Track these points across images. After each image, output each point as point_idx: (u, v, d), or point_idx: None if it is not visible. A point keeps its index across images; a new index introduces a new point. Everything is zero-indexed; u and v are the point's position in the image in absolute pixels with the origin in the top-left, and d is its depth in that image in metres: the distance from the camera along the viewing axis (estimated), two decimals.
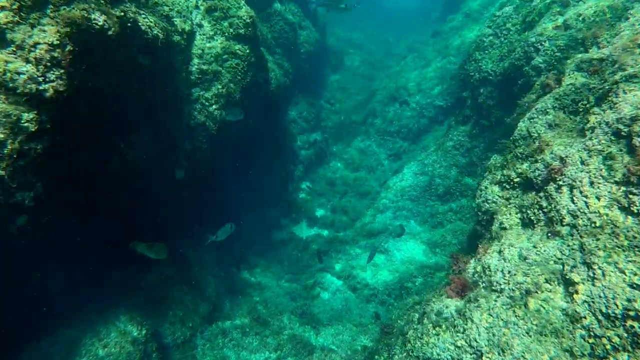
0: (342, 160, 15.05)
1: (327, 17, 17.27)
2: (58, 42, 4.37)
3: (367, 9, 21.65)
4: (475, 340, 4.06)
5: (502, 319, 4.00)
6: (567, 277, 3.84)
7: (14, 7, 4.28)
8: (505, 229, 5.03)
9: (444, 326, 4.49)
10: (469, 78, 10.57)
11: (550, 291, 3.90)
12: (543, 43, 7.20)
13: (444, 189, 11.21)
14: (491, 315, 4.11)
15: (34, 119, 4.56)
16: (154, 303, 8.17)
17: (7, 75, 4.24)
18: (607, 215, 3.83)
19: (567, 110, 5.27)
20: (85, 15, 4.66)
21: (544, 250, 4.15)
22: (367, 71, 19.68)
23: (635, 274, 3.43)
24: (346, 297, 9.41)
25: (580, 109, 5.10)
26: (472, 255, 5.36)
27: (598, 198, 3.97)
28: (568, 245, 4.00)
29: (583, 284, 3.69)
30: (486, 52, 9.94)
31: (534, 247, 4.27)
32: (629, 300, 3.37)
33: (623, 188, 3.85)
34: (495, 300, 4.17)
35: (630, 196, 3.75)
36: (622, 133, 4.06)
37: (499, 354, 3.84)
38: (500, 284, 4.25)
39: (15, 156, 4.46)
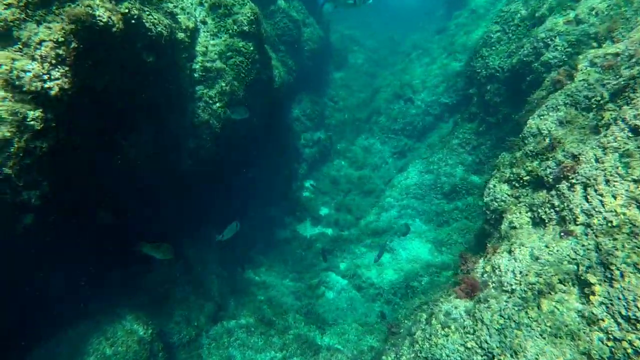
0: (346, 158, 14.95)
1: (331, 14, 17.14)
2: (63, 39, 4.32)
3: (372, 6, 21.49)
4: (486, 342, 3.98)
5: (514, 321, 3.91)
6: (582, 277, 3.74)
7: (21, 4, 4.23)
8: (515, 228, 4.93)
9: (453, 327, 4.41)
10: (475, 75, 10.44)
11: (564, 292, 3.80)
12: (553, 38, 7.07)
13: (450, 187, 11.09)
14: (502, 317, 4.02)
15: (40, 117, 4.52)
16: (158, 303, 8.17)
17: (13, 73, 4.19)
18: (624, 214, 3.72)
19: (580, 106, 5.15)
20: (90, 11, 4.60)
21: (557, 250, 4.05)
22: (371, 69, 19.54)
23: None
24: (351, 297, 9.34)
25: (594, 106, 4.98)
26: (481, 254, 5.27)
27: (614, 197, 3.87)
28: (583, 245, 3.90)
29: (600, 285, 3.59)
30: (493, 48, 9.79)
31: (546, 246, 4.17)
32: None
33: None
34: (507, 301, 4.08)
35: None
36: None
37: (511, 356, 3.76)
38: (512, 285, 4.16)
39: (21, 154, 4.43)
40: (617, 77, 4.75)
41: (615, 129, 4.15)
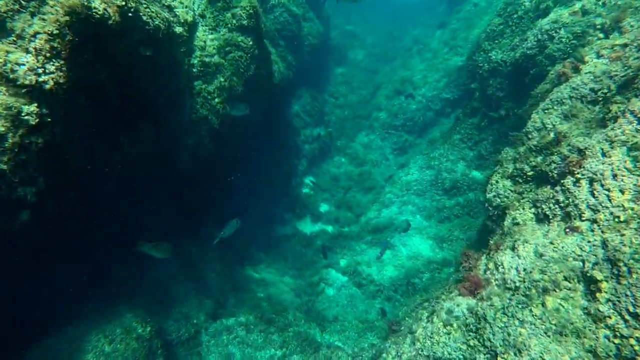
0: (347, 154, 14.85)
1: (331, 9, 16.97)
2: (57, 31, 4.21)
3: (372, 1, 21.29)
4: (489, 340, 3.90)
5: (517, 318, 3.83)
6: (588, 274, 3.66)
7: None
8: (518, 224, 4.84)
9: (455, 325, 4.34)
10: (477, 69, 10.31)
11: (569, 289, 3.72)
12: (558, 30, 6.93)
13: (451, 183, 11.00)
14: (506, 314, 3.94)
15: (35, 112, 4.43)
16: (158, 300, 8.12)
17: (7, 66, 4.09)
18: (632, 209, 3.64)
19: (585, 99, 5.05)
20: (85, 3, 4.50)
21: (562, 247, 3.96)
22: (371, 64, 19.38)
23: None
24: (351, 294, 9.28)
25: (600, 98, 4.88)
26: (483, 251, 5.19)
27: (622, 191, 3.78)
28: (589, 242, 3.82)
29: (607, 281, 3.51)
30: (496, 41, 9.65)
31: (551, 243, 4.08)
32: None
33: None
34: (510, 299, 4.00)
35: None
36: None
37: (515, 354, 3.68)
38: (515, 282, 4.08)
39: (16, 150, 4.34)
40: (626, 68, 4.64)
41: (623, 122, 4.06)
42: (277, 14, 12.54)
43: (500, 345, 3.79)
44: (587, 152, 4.31)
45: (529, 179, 5.11)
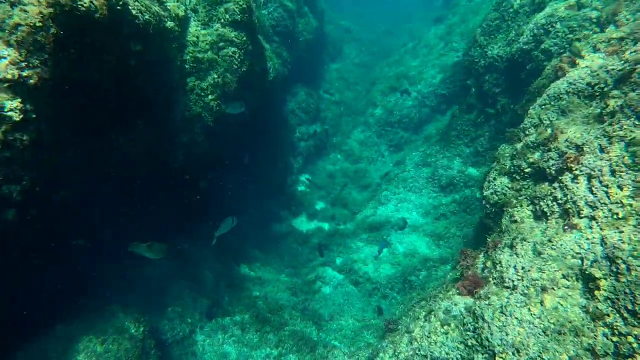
0: (342, 151, 14.76)
1: (326, 3, 16.82)
2: (41, 24, 4.06)
3: None
4: (487, 340, 3.85)
5: (516, 317, 3.77)
6: (586, 272, 3.61)
7: None
8: (516, 221, 4.79)
9: (452, 324, 4.28)
10: (473, 65, 10.23)
11: (568, 287, 3.67)
12: (554, 25, 6.86)
13: (447, 179, 10.95)
14: (504, 314, 3.88)
15: (19, 108, 4.28)
16: (152, 299, 8.03)
17: None
18: (631, 205, 3.58)
19: (582, 94, 4.99)
20: None
21: (560, 245, 3.91)
22: (367, 60, 19.26)
23: None
24: (348, 292, 9.21)
25: (597, 93, 4.82)
26: (481, 249, 5.13)
27: (620, 187, 3.72)
28: (587, 239, 3.76)
29: (605, 279, 3.46)
30: (492, 36, 9.57)
31: (549, 241, 4.02)
32: None
33: None
34: (508, 298, 3.94)
35: None
36: None
37: (513, 354, 3.63)
38: (513, 281, 4.02)
39: (0, 147, 4.20)
40: (622, 62, 4.58)
41: (621, 117, 3.99)
42: (271, 9, 12.37)
43: (498, 345, 3.73)
44: (584, 148, 4.25)
45: (526, 175, 5.05)
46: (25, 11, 4.00)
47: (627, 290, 3.32)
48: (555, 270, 3.76)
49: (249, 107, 8.01)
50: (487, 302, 4.05)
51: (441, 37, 15.96)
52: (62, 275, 6.32)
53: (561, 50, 6.61)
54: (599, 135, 4.16)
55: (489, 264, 4.45)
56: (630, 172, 3.73)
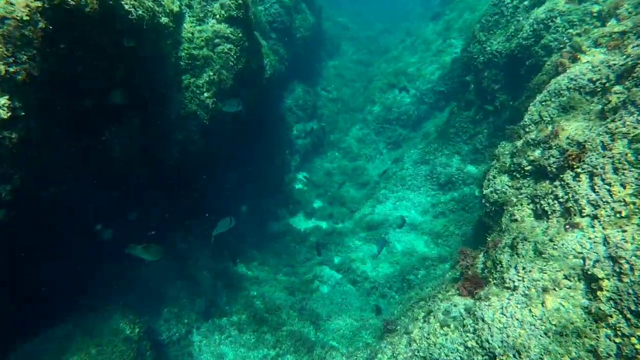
0: (340, 149, 14.65)
1: (324, 1, 16.66)
2: (28, 17, 3.93)
3: None
4: (488, 342, 3.77)
5: (516, 319, 3.69)
6: (589, 272, 3.53)
7: None
8: (516, 221, 4.70)
9: (452, 326, 4.20)
10: (472, 61, 10.13)
11: (570, 288, 3.59)
12: (554, 19, 6.76)
13: (446, 177, 10.87)
14: (504, 315, 3.81)
15: (6, 105, 4.17)
16: (148, 299, 7.94)
17: None
18: (634, 204, 3.50)
19: (584, 90, 4.90)
20: None
21: (562, 244, 3.82)
22: (364, 57, 19.13)
23: None
24: (346, 291, 9.14)
25: (599, 89, 4.73)
26: (480, 248, 5.05)
27: (623, 186, 3.64)
28: (589, 238, 3.68)
29: (608, 279, 3.38)
30: (491, 32, 9.45)
31: (551, 240, 3.94)
32: None
33: None
34: (509, 299, 3.86)
35: None
36: None
37: (514, 356, 3.55)
38: (514, 281, 3.94)
39: None
40: (625, 57, 4.49)
41: (624, 113, 3.91)
42: (267, 5, 12.23)
43: (499, 347, 3.66)
44: (586, 145, 4.16)
45: (526, 173, 4.96)
46: (12, 4, 3.87)
47: (630, 291, 3.25)
48: (556, 271, 3.68)
49: (245, 105, 7.90)
50: (487, 303, 3.97)
51: (439, 34, 15.84)
52: (59, 274, 6.23)
53: (561, 46, 6.51)
54: (601, 132, 4.08)
55: (489, 263, 4.37)
56: (633, 169, 3.65)
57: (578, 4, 6.46)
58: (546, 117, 5.18)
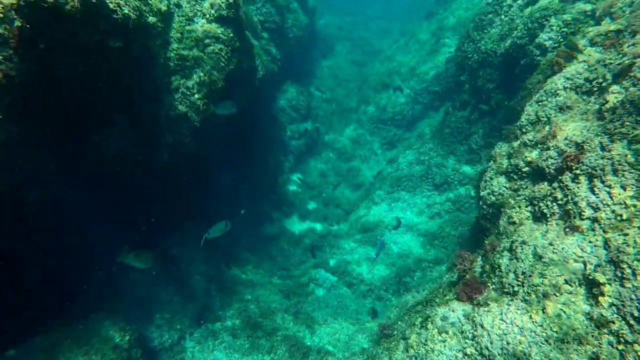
0: (335, 150, 14.52)
1: (317, 1, 16.52)
2: (1, 15, 3.75)
3: None
4: (487, 349, 3.66)
5: (517, 325, 3.59)
6: (590, 277, 3.43)
7: None
8: (514, 223, 4.60)
9: (450, 332, 4.09)
10: (466, 60, 10.05)
11: (570, 293, 3.49)
12: (549, 18, 6.69)
13: (441, 178, 10.79)
14: (504, 321, 3.70)
15: None
16: (139, 305, 7.76)
17: None
18: (635, 206, 3.41)
19: (580, 90, 4.82)
20: None
21: (562, 248, 3.73)
22: (358, 57, 19.01)
23: None
24: (342, 294, 9.01)
25: (595, 88, 4.65)
26: (478, 252, 4.95)
27: (624, 188, 3.55)
28: (590, 242, 3.59)
29: (609, 284, 3.29)
30: (485, 31, 9.38)
31: (550, 244, 3.84)
32: None
33: None
34: (508, 304, 3.76)
35: None
36: None
37: None
38: (513, 286, 3.83)
39: None
40: (621, 56, 4.41)
41: (623, 113, 3.82)
42: (259, 4, 12.05)
43: (499, 354, 3.55)
44: (585, 146, 4.07)
45: (524, 175, 4.87)
46: None
47: (633, 296, 3.15)
48: (557, 275, 3.58)
49: (237, 106, 7.75)
50: (486, 309, 3.86)
51: (433, 33, 15.77)
52: (45, 281, 6.05)
53: (556, 45, 6.45)
54: (599, 133, 3.99)
55: (487, 268, 4.27)
56: (633, 171, 3.56)
57: (572, 3, 6.41)
58: (543, 117, 5.09)
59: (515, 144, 5.23)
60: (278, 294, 9.11)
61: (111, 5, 5.38)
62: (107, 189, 6.61)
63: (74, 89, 5.29)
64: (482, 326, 3.75)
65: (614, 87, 4.27)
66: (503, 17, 8.76)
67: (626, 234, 3.36)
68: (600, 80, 4.69)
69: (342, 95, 16.54)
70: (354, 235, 10.51)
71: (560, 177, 4.20)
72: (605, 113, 4.18)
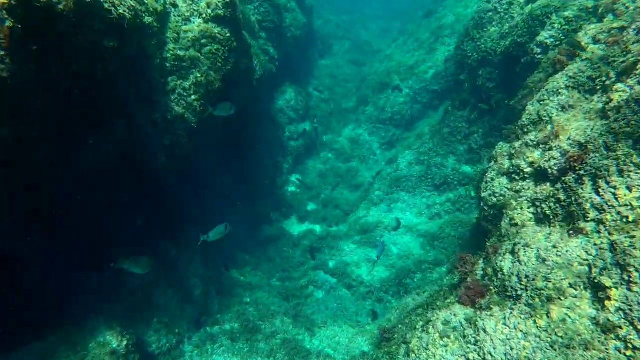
0: (333, 150, 14.43)
1: (315, 0, 16.43)
2: None
3: None
4: (490, 355, 3.58)
5: (520, 330, 3.51)
6: (595, 280, 3.35)
7: None
8: (516, 225, 4.52)
9: (452, 336, 4.01)
10: (466, 59, 9.96)
11: (576, 297, 3.41)
12: (550, 16, 6.61)
13: (441, 178, 10.71)
14: (507, 326, 3.62)
15: None
16: (137, 309, 7.66)
17: None
18: None
19: (583, 89, 4.74)
20: None
21: (566, 251, 3.65)
22: (357, 56, 18.92)
23: None
24: (341, 296, 8.93)
25: (599, 87, 4.57)
26: (480, 254, 4.87)
27: (629, 189, 3.47)
28: (595, 244, 3.51)
29: (616, 288, 3.20)
30: (485, 29, 9.29)
31: (554, 247, 3.76)
32: None
33: None
34: (512, 309, 3.68)
35: None
36: None
37: None
38: (517, 290, 3.75)
39: None
40: (625, 53, 4.33)
41: (628, 112, 3.74)
42: (257, 4, 11.96)
43: None
44: (589, 147, 3.99)
45: (526, 176, 4.79)
46: None
47: None
48: (561, 279, 3.50)
49: (235, 107, 7.67)
50: (489, 313, 3.78)
51: (432, 32, 15.68)
52: (41, 284, 5.97)
53: (557, 43, 6.37)
54: (603, 132, 3.91)
55: (489, 271, 4.19)
56: (639, 172, 3.48)
57: (574, 0, 6.33)
58: (545, 116, 5.01)
59: (517, 144, 5.15)
60: (277, 297, 9.03)
61: (106, 5, 5.29)
62: (104, 191, 6.53)
63: (68, 90, 5.20)
64: (484, 331, 3.67)
65: (619, 86, 4.20)
66: (503, 15, 8.67)
67: (633, 237, 3.28)
68: (604, 78, 4.61)
69: (340, 95, 16.45)
70: (353, 236, 10.42)
71: (563, 178, 4.12)
72: (609, 112, 4.10)
